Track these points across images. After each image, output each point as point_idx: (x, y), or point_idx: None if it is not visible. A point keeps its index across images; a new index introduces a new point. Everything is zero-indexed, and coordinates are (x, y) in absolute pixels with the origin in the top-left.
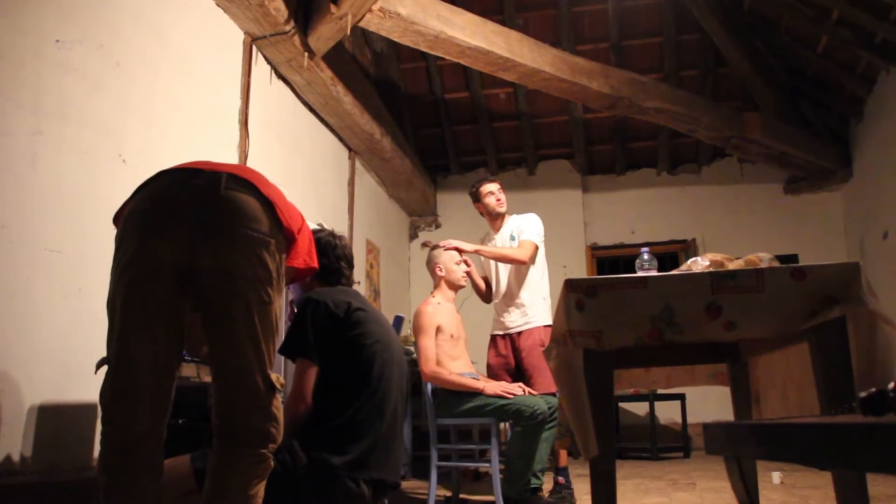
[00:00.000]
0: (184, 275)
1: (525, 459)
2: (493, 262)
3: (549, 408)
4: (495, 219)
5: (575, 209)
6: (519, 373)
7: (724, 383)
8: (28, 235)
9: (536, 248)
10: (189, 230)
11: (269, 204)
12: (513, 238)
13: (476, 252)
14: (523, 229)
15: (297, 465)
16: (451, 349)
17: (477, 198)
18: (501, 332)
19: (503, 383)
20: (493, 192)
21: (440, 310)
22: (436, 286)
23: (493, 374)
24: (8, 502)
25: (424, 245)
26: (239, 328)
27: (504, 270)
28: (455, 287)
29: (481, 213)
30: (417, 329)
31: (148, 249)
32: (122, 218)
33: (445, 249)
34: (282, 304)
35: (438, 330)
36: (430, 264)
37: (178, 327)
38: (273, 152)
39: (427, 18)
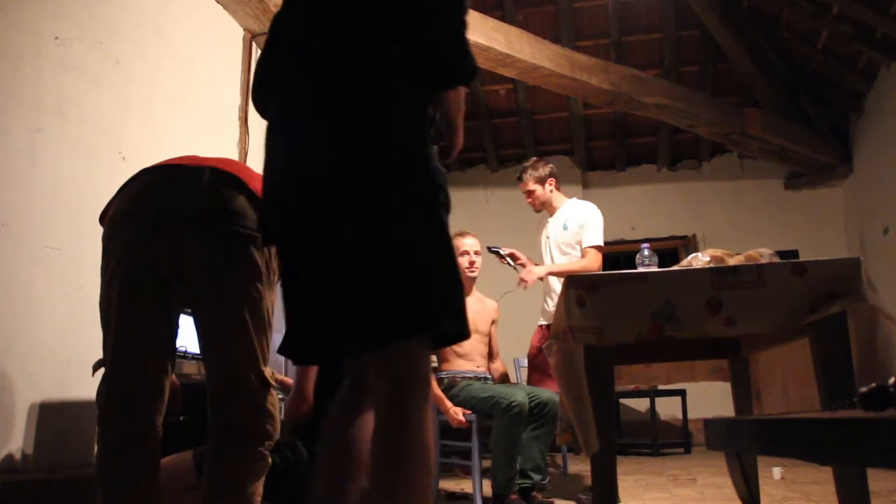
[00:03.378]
0: (171, 275)
1: (506, 453)
2: (546, 254)
3: (546, 403)
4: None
5: None
6: None
7: (725, 379)
8: (28, 233)
9: (601, 252)
10: (173, 229)
11: (255, 198)
12: (565, 228)
13: (550, 274)
14: (585, 230)
15: (298, 461)
16: (458, 346)
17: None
18: (545, 322)
19: (460, 411)
20: (525, 192)
21: None
22: None
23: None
24: (10, 500)
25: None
26: (229, 326)
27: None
28: (467, 280)
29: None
30: None
31: (133, 255)
32: (107, 220)
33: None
34: (274, 298)
35: None
36: None
37: (170, 327)
38: None
39: None
